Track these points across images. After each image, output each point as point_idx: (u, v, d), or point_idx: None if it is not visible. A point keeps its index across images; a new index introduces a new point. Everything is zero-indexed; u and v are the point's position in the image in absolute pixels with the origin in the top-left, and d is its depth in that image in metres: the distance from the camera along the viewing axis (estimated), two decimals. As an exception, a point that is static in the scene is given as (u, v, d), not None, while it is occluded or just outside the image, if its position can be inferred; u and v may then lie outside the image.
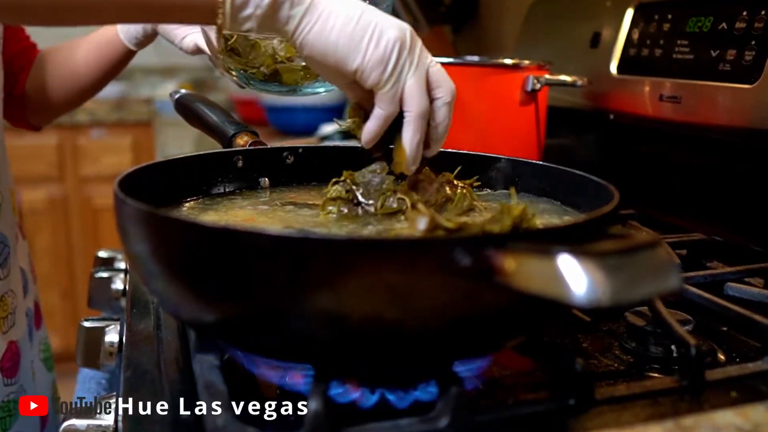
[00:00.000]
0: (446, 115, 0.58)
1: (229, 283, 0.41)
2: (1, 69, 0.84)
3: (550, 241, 0.37)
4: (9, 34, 0.91)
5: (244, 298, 0.42)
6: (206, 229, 0.41)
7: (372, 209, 0.59)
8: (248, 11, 0.52)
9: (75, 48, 0.94)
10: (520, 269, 0.37)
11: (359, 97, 0.59)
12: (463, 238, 0.42)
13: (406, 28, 0.55)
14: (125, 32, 0.89)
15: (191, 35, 0.82)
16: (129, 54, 0.92)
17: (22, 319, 0.85)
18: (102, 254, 0.92)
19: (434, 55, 0.58)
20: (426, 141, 0.58)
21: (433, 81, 0.57)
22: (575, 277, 0.34)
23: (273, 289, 0.40)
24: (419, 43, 0.56)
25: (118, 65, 0.93)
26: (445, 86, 0.57)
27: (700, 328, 0.59)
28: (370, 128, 0.58)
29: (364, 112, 0.60)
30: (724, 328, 0.61)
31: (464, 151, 0.71)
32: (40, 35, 0.99)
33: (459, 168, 0.64)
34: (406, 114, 0.56)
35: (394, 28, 0.55)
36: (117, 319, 0.67)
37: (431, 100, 0.57)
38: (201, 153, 0.67)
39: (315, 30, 0.54)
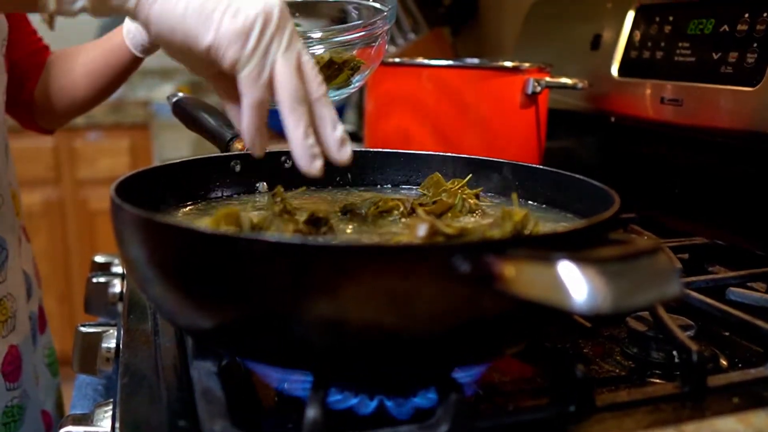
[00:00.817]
0: (329, 110, 0.50)
1: (227, 289, 0.41)
2: (5, 72, 0.84)
3: (550, 248, 0.37)
4: (19, 37, 0.90)
5: (242, 304, 0.41)
6: (204, 236, 0.41)
7: (362, 211, 0.59)
8: None
9: (82, 53, 0.93)
10: (519, 276, 0.37)
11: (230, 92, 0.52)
12: (463, 244, 0.42)
13: (274, 5, 0.48)
14: (131, 38, 0.88)
15: None
16: (135, 61, 0.90)
17: (24, 322, 0.84)
18: (99, 259, 0.91)
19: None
20: (323, 147, 0.51)
21: (307, 72, 0.50)
22: (575, 283, 0.34)
23: (271, 295, 0.40)
24: (291, 24, 0.49)
25: (124, 72, 0.92)
26: (316, 80, 0.50)
27: (702, 334, 0.59)
28: (245, 125, 0.49)
29: None
30: (726, 334, 0.61)
31: (464, 155, 0.71)
32: (47, 39, 0.99)
33: (470, 176, 0.64)
34: (279, 103, 0.48)
35: (256, 3, 0.47)
36: (114, 325, 0.66)
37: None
38: (198, 157, 0.66)
39: (159, 3, 0.47)
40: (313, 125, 0.50)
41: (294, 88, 0.48)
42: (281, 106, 0.48)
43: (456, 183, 0.65)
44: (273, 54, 0.48)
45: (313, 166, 0.50)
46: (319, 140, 0.50)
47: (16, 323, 0.82)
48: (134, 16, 0.49)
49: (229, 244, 0.40)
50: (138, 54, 0.89)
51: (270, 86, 0.49)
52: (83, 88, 0.93)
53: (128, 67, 0.91)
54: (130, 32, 0.87)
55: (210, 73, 0.52)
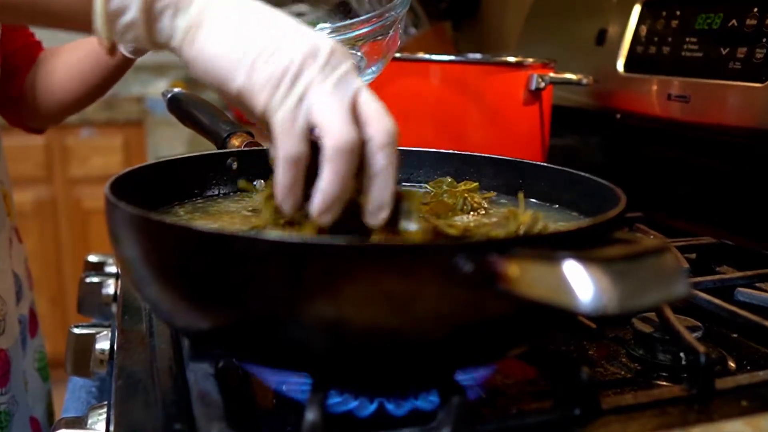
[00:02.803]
0: (384, 165, 0.42)
1: (225, 290, 0.40)
2: None
3: (555, 247, 0.36)
4: (10, 31, 0.89)
5: (239, 305, 0.41)
6: (202, 234, 0.40)
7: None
8: (128, 17, 0.44)
9: (70, 51, 0.91)
10: (523, 275, 0.36)
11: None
12: (466, 243, 0.41)
13: (323, 44, 0.43)
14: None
15: None
16: (126, 61, 0.87)
17: (13, 326, 0.83)
18: (92, 258, 0.90)
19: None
20: (365, 204, 0.44)
21: (364, 113, 0.42)
22: (581, 283, 0.33)
23: (270, 296, 0.39)
24: (346, 63, 0.43)
25: (114, 72, 0.89)
26: (380, 123, 0.42)
27: (709, 335, 0.58)
28: (278, 180, 0.43)
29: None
30: (735, 335, 0.60)
31: (466, 153, 0.70)
32: (40, 35, 0.97)
33: (476, 184, 0.63)
34: (323, 149, 0.41)
35: (303, 41, 0.42)
36: (108, 326, 0.66)
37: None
38: (194, 154, 0.66)
39: (198, 42, 0.44)
40: (359, 177, 0.43)
41: (342, 133, 0.41)
42: (325, 152, 0.41)
43: (466, 185, 0.64)
44: (312, 98, 0.41)
45: (324, 218, 0.43)
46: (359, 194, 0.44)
47: (6, 327, 0.81)
48: (178, 55, 0.46)
49: (228, 244, 0.39)
50: (127, 54, 0.85)
51: (308, 137, 0.42)
52: (71, 87, 0.91)
53: (118, 67, 0.88)
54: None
55: (254, 117, 0.46)
